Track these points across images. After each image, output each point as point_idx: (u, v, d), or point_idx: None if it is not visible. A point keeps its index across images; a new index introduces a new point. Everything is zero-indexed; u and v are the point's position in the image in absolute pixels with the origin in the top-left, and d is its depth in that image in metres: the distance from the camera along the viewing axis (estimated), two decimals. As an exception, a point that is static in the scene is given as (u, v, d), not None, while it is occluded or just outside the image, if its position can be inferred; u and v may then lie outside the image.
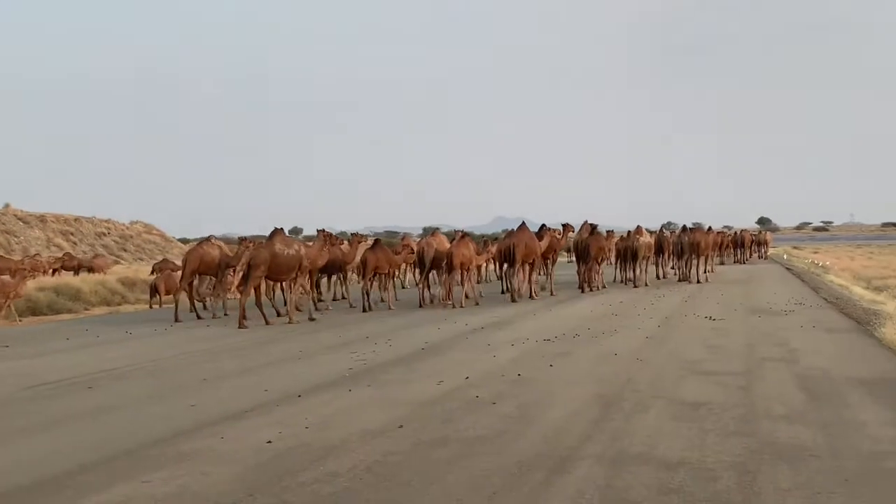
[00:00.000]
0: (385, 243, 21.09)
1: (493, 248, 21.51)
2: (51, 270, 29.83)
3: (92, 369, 10.70)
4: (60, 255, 35.00)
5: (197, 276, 18.79)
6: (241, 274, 16.14)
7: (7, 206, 48.27)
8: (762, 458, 5.89)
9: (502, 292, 22.44)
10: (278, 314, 16.52)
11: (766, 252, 49.98)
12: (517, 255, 20.04)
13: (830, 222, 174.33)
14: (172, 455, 6.34)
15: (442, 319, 15.91)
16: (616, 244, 25.99)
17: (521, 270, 20.93)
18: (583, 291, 23.00)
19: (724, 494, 5.16)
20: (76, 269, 30.94)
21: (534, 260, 20.99)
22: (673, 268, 29.23)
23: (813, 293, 20.88)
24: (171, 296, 22.90)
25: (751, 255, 46.39)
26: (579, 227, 24.75)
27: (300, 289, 17.85)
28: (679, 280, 27.03)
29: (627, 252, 25.57)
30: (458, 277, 19.42)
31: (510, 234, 21.10)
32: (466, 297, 19.50)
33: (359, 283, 20.83)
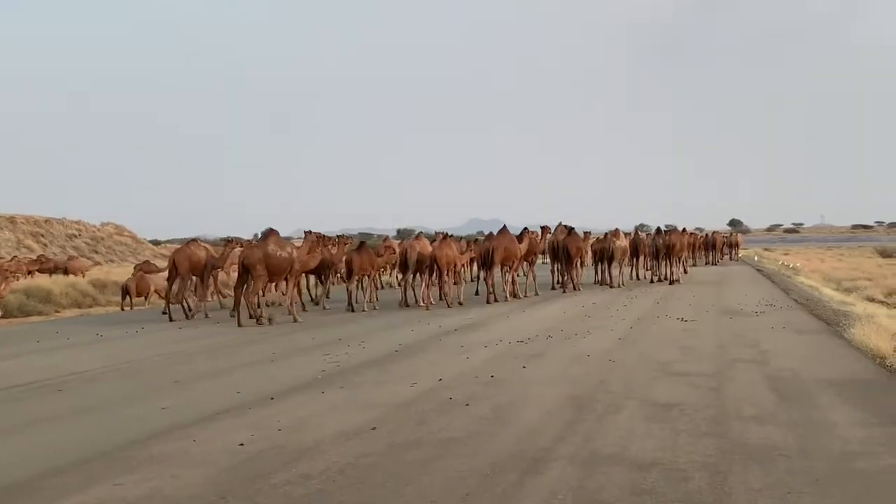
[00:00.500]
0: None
1: (476, 250, 21.64)
2: (27, 273, 29.53)
3: (63, 371, 10.60)
4: (34, 256, 34.58)
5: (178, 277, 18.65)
6: (239, 275, 16.40)
7: (-25, 207, 47.64)
8: (733, 459, 5.94)
9: (476, 293, 22.68)
10: (250, 316, 16.45)
11: (737, 254, 50.34)
12: (496, 258, 20.21)
13: (801, 224, 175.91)
14: (145, 457, 6.30)
15: (415, 321, 15.91)
16: (592, 246, 26.27)
17: (497, 273, 21.07)
18: (564, 291, 23.27)
19: (695, 495, 5.20)
20: (51, 271, 30.57)
21: (513, 262, 21.15)
22: (649, 269, 29.45)
23: (783, 294, 21.07)
24: (142, 297, 22.79)
25: (722, 256, 46.72)
26: (554, 229, 24.90)
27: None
28: (654, 281, 27.23)
29: (604, 254, 25.77)
30: (446, 278, 19.64)
31: (490, 237, 21.20)
32: (452, 296, 19.85)
33: (330, 285, 20.87)
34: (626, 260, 27.31)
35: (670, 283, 26.06)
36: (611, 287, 24.94)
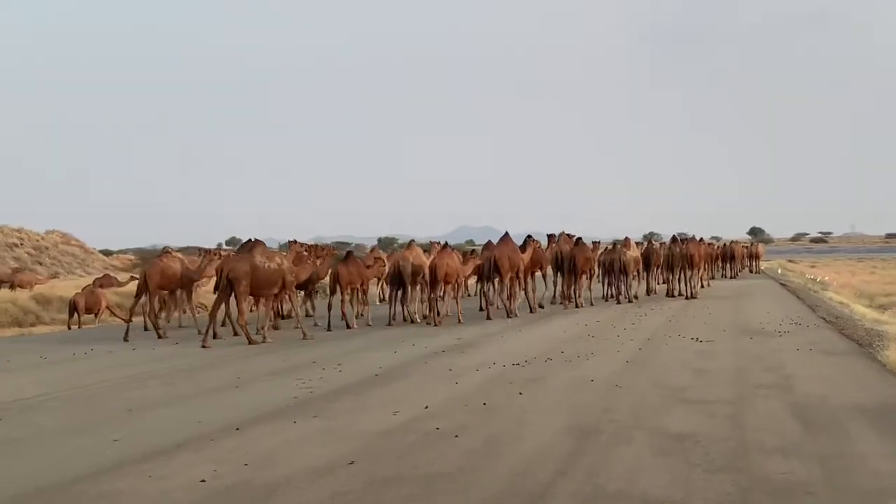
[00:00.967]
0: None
1: (478, 260, 21.59)
2: None
3: (1, 399, 10.54)
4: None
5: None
6: (222, 289, 16.39)
7: None
8: (754, 496, 5.95)
9: (481, 309, 22.69)
10: (214, 336, 16.45)
11: (758, 266, 50.49)
12: (501, 269, 20.25)
13: (829, 233, 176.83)
14: (93, 495, 6.26)
15: (398, 341, 15.89)
16: (601, 257, 26.39)
17: (511, 285, 21.33)
18: (565, 307, 23.42)
19: (711, 536, 5.21)
20: None
21: (517, 274, 21.23)
22: (662, 282, 29.55)
23: (810, 312, 21.12)
24: (93, 315, 22.69)
25: (742, 269, 46.84)
26: (557, 238, 24.96)
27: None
28: (668, 295, 27.30)
29: (614, 265, 25.81)
30: (442, 292, 19.68)
31: (489, 246, 21.28)
32: (445, 314, 20.02)
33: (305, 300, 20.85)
34: (639, 272, 27.44)
35: (687, 299, 26.10)
36: (618, 302, 25.12)
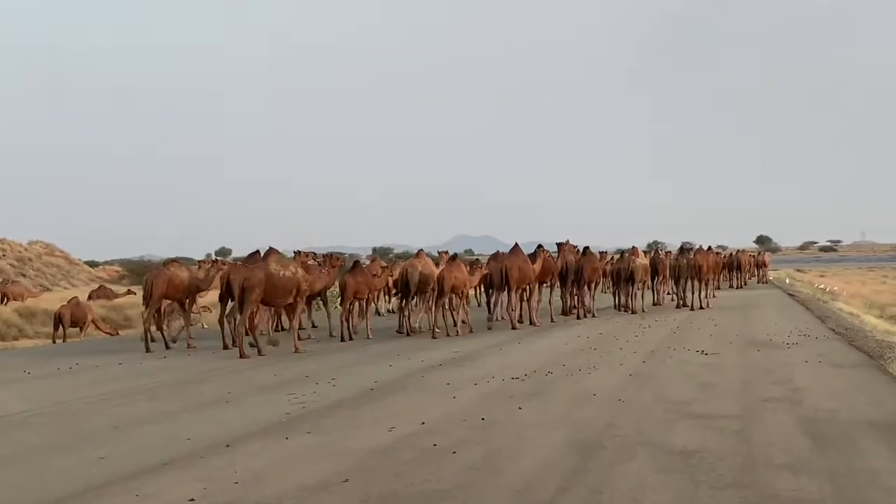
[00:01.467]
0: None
1: (484, 270, 21.69)
2: None
3: (-18, 415, 10.53)
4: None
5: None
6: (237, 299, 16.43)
7: None
8: (761, 514, 5.94)
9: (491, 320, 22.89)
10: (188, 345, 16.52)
11: (765, 275, 50.53)
12: (511, 279, 20.40)
13: (839, 241, 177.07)
14: (77, 516, 6.25)
15: (394, 355, 15.87)
16: (609, 267, 26.62)
17: (531, 296, 21.81)
18: (578, 318, 23.69)
19: (718, 556, 5.20)
20: None
21: (529, 285, 21.55)
22: (669, 293, 29.67)
23: (819, 323, 21.13)
24: (78, 328, 22.68)
25: (749, 278, 46.87)
26: (559, 248, 25.06)
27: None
28: (678, 306, 27.36)
29: (621, 275, 25.92)
30: (448, 302, 19.90)
31: (496, 256, 21.46)
32: (463, 322, 20.34)
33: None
34: (646, 282, 27.61)
35: (695, 310, 26.17)
36: (625, 312, 25.30)
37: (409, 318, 20.25)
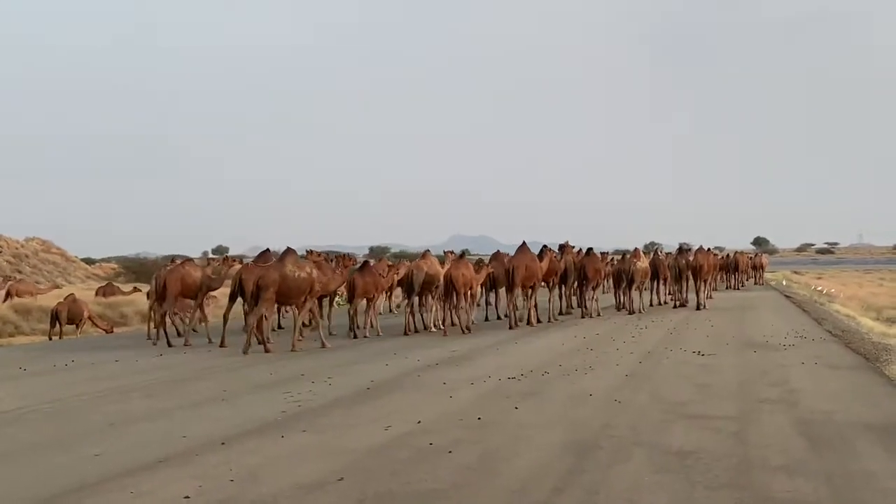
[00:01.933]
0: None
1: (489, 269, 21.81)
2: None
3: (-23, 412, 10.52)
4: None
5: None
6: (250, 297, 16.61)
7: None
8: (757, 515, 5.95)
9: (487, 319, 23.51)
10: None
11: (761, 277, 50.55)
12: (517, 278, 20.61)
13: (836, 244, 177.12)
14: (72, 513, 6.24)
15: (390, 354, 15.87)
16: (611, 267, 26.84)
17: (523, 295, 21.97)
18: (582, 316, 23.99)
19: (713, 557, 5.20)
20: None
21: (534, 284, 21.73)
22: (669, 294, 29.79)
23: (816, 325, 21.14)
24: (74, 325, 22.66)
25: (746, 280, 46.92)
26: (559, 248, 25.18)
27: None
28: (675, 307, 27.48)
29: (622, 276, 26.04)
30: (456, 301, 20.19)
31: (497, 255, 21.57)
32: (465, 320, 20.42)
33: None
34: (646, 283, 27.76)
35: (697, 308, 26.37)
36: (630, 312, 25.39)
37: (413, 317, 20.37)
